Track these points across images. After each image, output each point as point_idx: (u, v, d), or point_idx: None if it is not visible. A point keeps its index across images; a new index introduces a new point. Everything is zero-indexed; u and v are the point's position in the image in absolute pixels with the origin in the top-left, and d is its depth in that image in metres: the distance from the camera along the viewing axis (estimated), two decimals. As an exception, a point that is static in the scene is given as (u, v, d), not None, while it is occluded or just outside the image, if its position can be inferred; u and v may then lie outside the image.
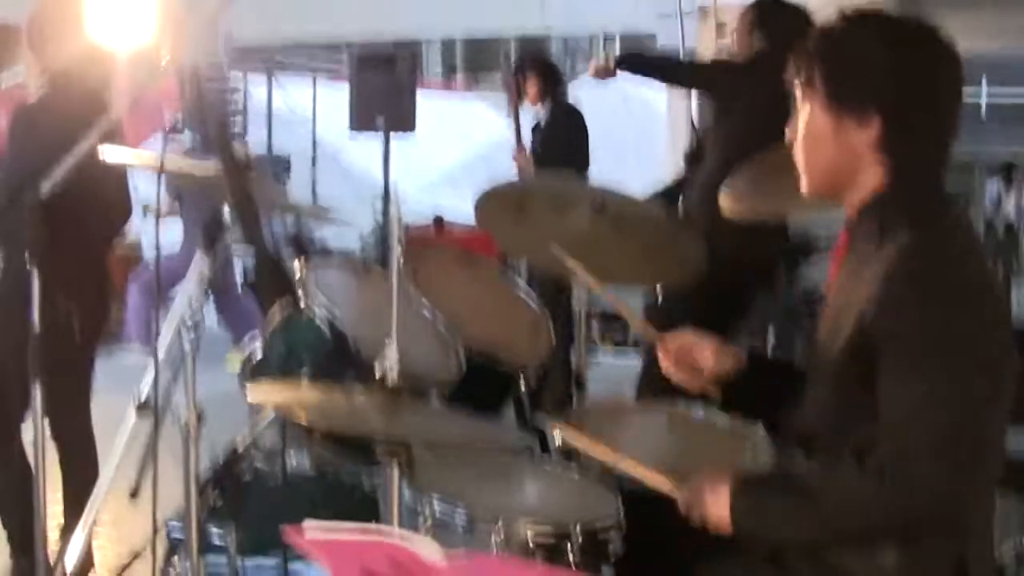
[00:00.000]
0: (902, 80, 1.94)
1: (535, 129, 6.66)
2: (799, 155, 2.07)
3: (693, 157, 4.90)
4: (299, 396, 2.31)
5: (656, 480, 2.18)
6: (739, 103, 4.42)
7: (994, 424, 1.90)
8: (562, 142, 6.52)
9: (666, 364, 2.31)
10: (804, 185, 2.09)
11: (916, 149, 1.98)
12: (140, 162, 2.83)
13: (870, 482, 1.86)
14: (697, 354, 2.28)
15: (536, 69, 6.66)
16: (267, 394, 2.29)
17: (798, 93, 2.05)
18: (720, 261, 3.02)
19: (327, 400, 2.23)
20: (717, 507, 2.02)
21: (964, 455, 1.82)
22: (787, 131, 2.10)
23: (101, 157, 2.58)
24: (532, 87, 6.61)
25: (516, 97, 6.53)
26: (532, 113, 6.68)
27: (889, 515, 1.86)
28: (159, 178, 2.46)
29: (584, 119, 6.75)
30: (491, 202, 2.92)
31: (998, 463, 1.97)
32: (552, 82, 6.66)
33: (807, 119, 2.03)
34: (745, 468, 2.10)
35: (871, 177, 2.00)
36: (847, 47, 1.99)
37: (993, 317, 1.92)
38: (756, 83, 4.29)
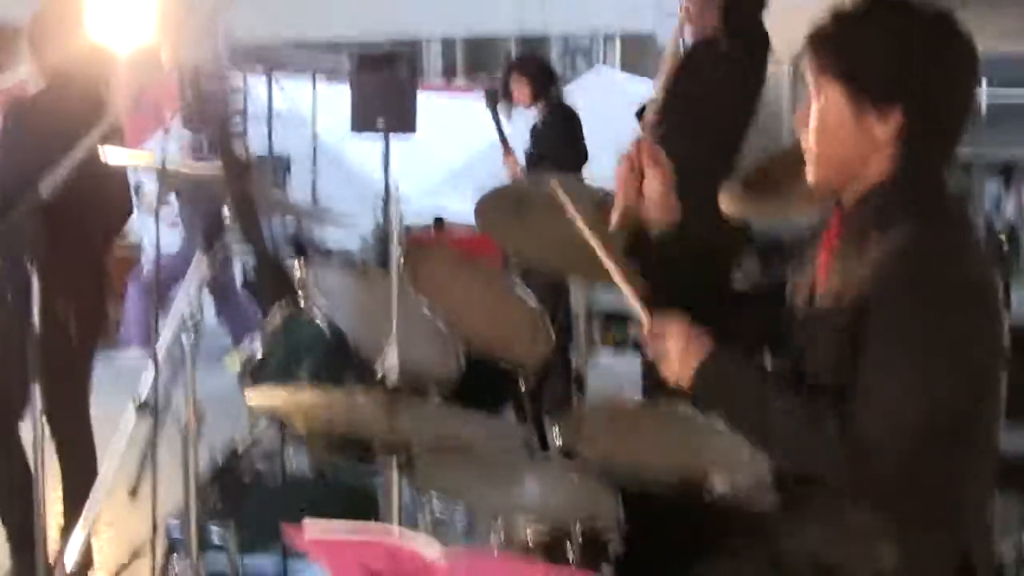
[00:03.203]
0: (926, 74, 1.93)
1: (532, 131, 6.67)
2: (811, 145, 2.04)
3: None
4: (298, 401, 2.30)
5: (633, 295, 2.16)
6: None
7: (977, 421, 1.90)
8: (558, 143, 6.51)
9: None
10: (811, 175, 2.06)
11: (931, 142, 1.98)
12: (140, 162, 2.83)
13: (830, 430, 1.87)
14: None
15: (527, 71, 6.66)
16: (266, 400, 2.28)
17: (812, 81, 2.02)
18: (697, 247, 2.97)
19: (326, 405, 2.22)
20: (684, 358, 2.02)
21: (916, 445, 1.84)
22: (796, 118, 2.07)
23: (101, 157, 2.58)
24: (523, 89, 6.62)
25: (499, 101, 6.56)
26: (526, 115, 6.68)
27: (831, 466, 1.88)
28: (160, 177, 2.45)
29: (579, 118, 6.74)
30: (490, 206, 2.92)
31: (987, 459, 1.97)
32: (545, 83, 6.65)
33: (823, 109, 2.00)
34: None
35: (877, 167, 1.98)
36: (871, 37, 1.95)
37: (985, 317, 1.91)
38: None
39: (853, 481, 1.88)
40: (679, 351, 2.04)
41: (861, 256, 1.95)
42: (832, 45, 1.99)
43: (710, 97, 4.10)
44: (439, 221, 10.05)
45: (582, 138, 6.67)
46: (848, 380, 1.90)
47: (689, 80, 4.20)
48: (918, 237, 1.90)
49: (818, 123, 2.02)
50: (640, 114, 4.53)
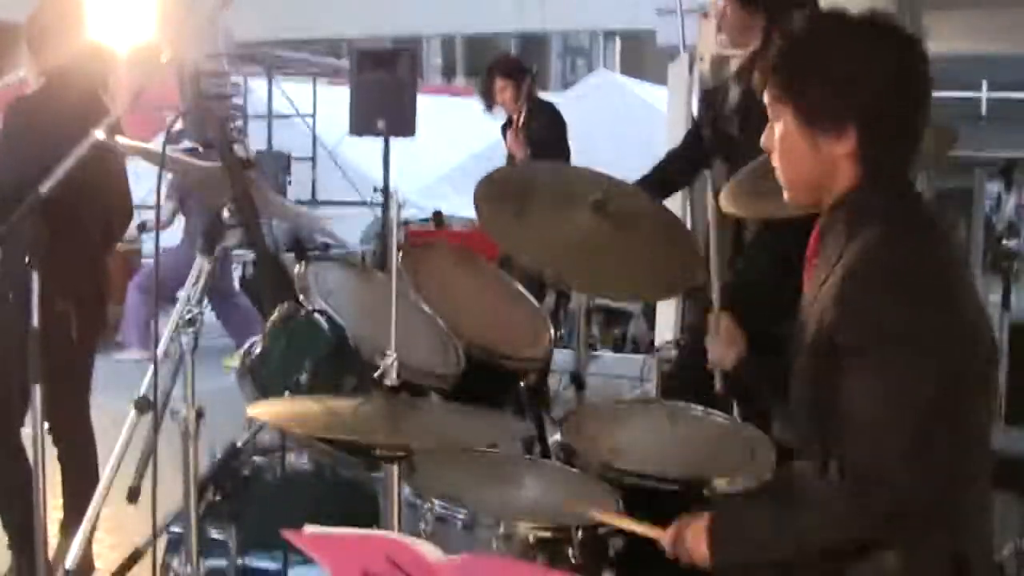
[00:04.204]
0: (874, 89, 1.94)
1: (506, 126, 6.75)
2: (778, 168, 2.07)
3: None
4: (297, 410, 2.30)
5: (643, 529, 2.19)
6: None
7: (966, 422, 1.89)
8: (540, 139, 6.55)
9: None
10: (787, 196, 2.09)
11: (890, 151, 1.99)
12: (145, 154, 2.82)
13: (841, 492, 1.86)
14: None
15: (508, 73, 6.70)
16: (266, 410, 2.27)
17: (769, 104, 2.03)
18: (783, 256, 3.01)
19: (326, 412, 2.22)
20: (698, 544, 2.02)
21: (931, 454, 1.82)
22: (763, 141, 2.08)
23: (105, 150, 2.57)
24: (506, 91, 6.67)
25: (491, 102, 6.65)
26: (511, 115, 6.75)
27: (863, 522, 1.86)
28: (159, 178, 2.45)
29: (560, 113, 6.79)
30: (491, 192, 2.89)
31: (981, 459, 1.96)
32: (523, 83, 6.70)
33: (783, 134, 2.02)
34: (719, 504, 2.10)
35: (846, 180, 2.00)
36: (815, 60, 1.97)
37: (957, 316, 1.89)
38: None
39: (889, 521, 1.86)
40: (692, 543, 2.04)
41: (829, 269, 1.96)
42: (782, 70, 2.00)
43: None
44: (438, 214, 10.05)
45: (566, 134, 6.73)
46: (827, 408, 1.90)
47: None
48: (881, 243, 1.90)
49: (780, 148, 2.04)
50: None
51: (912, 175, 2.03)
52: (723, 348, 2.45)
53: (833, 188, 2.01)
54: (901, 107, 1.97)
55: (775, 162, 2.07)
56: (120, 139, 2.77)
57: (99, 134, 2.47)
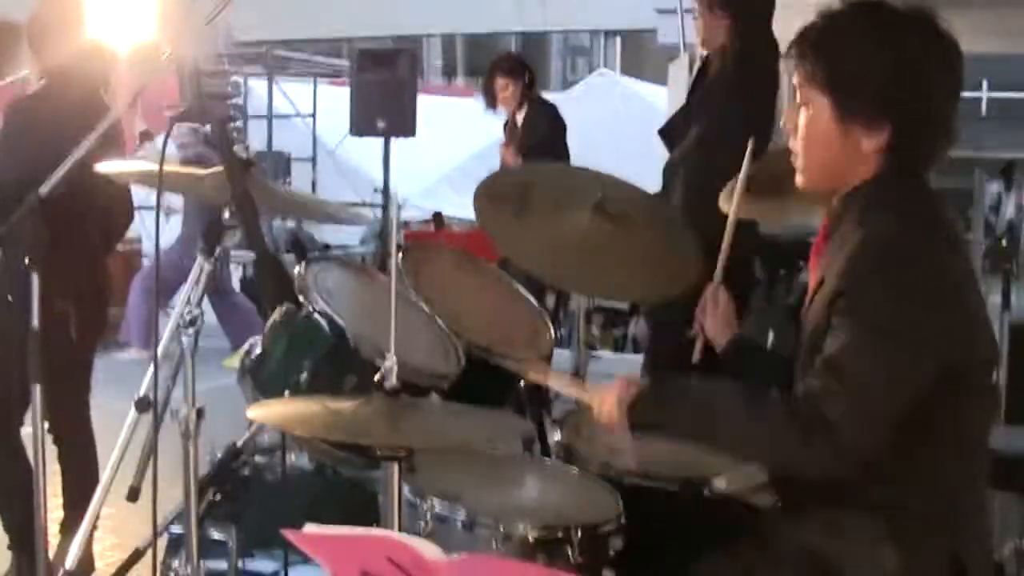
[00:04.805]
0: (915, 89, 1.93)
1: (506, 126, 6.76)
2: (799, 151, 2.05)
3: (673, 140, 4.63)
4: (298, 410, 2.30)
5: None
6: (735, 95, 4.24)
7: (959, 422, 1.91)
8: (542, 138, 6.56)
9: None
10: (801, 180, 2.08)
11: (921, 147, 1.98)
12: (137, 175, 2.82)
13: (790, 423, 1.87)
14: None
15: (509, 72, 6.70)
16: (266, 412, 2.28)
17: (797, 87, 2.02)
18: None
19: (326, 412, 2.22)
20: (623, 396, 2.07)
21: (875, 418, 1.84)
22: (784, 121, 2.08)
23: (100, 167, 2.58)
24: (507, 90, 6.67)
25: (493, 100, 6.66)
26: (511, 113, 6.76)
27: (800, 458, 1.88)
28: (159, 178, 2.45)
29: (560, 115, 6.79)
30: (490, 195, 2.89)
31: (980, 460, 1.96)
32: (527, 81, 6.71)
33: (811, 119, 2.01)
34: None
35: (868, 172, 1.99)
36: (860, 51, 1.95)
37: (951, 311, 1.90)
38: (746, 73, 4.16)
39: (822, 461, 1.87)
40: (618, 394, 2.09)
41: (840, 254, 1.96)
42: (820, 54, 1.98)
43: (726, 121, 4.07)
44: (438, 216, 10.06)
45: (565, 136, 6.73)
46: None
47: (705, 110, 4.22)
48: (892, 230, 1.91)
49: (806, 132, 2.02)
50: (663, 131, 4.54)
51: (928, 172, 2.03)
52: (720, 325, 2.43)
53: (853, 179, 2.01)
54: (939, 105, 1.96)
55: (796, 144, 2.05)
56: (117, 166, 2.78)
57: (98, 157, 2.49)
